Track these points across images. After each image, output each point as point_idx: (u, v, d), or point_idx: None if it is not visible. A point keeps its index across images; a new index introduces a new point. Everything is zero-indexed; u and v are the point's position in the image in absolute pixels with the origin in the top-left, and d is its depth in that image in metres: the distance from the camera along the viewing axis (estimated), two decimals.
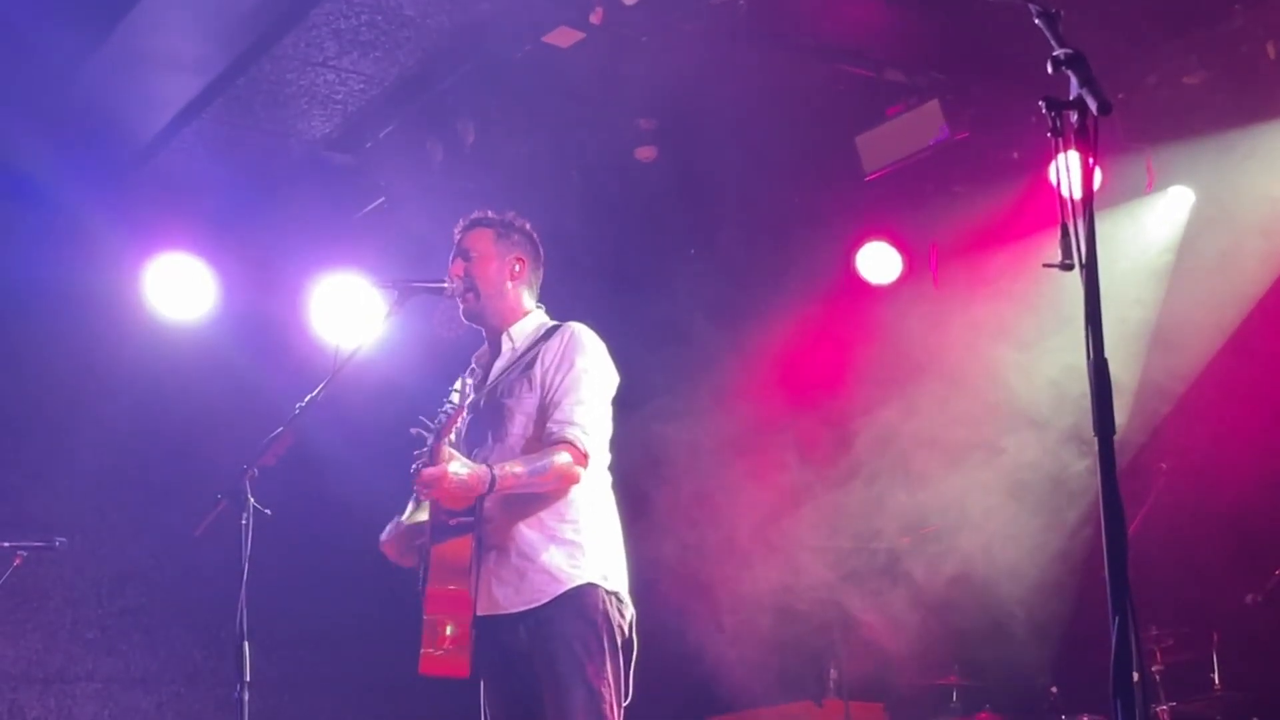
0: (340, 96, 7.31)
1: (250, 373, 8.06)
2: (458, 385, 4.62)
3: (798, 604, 8.21)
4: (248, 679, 4.75)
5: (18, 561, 6.75)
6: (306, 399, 4.93)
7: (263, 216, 8.22)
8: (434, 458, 4.43)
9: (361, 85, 7.21)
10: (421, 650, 4.59)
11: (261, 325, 8.37)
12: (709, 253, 8.99)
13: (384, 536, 4.91)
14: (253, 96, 7.23)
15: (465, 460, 4.51)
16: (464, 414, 4.57)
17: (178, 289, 8.12)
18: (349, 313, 8.12)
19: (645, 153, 7.77)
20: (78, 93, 6.95)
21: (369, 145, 7.82)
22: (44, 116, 7.06)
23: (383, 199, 8.17)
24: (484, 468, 4.50)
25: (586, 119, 7.44)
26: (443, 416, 4.46)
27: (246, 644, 4.75)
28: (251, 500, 4.83)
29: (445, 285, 4.91)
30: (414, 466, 4.48)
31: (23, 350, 8.01)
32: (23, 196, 7.59)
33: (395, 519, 4.93)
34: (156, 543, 8.29)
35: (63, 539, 6.80)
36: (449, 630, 4.58)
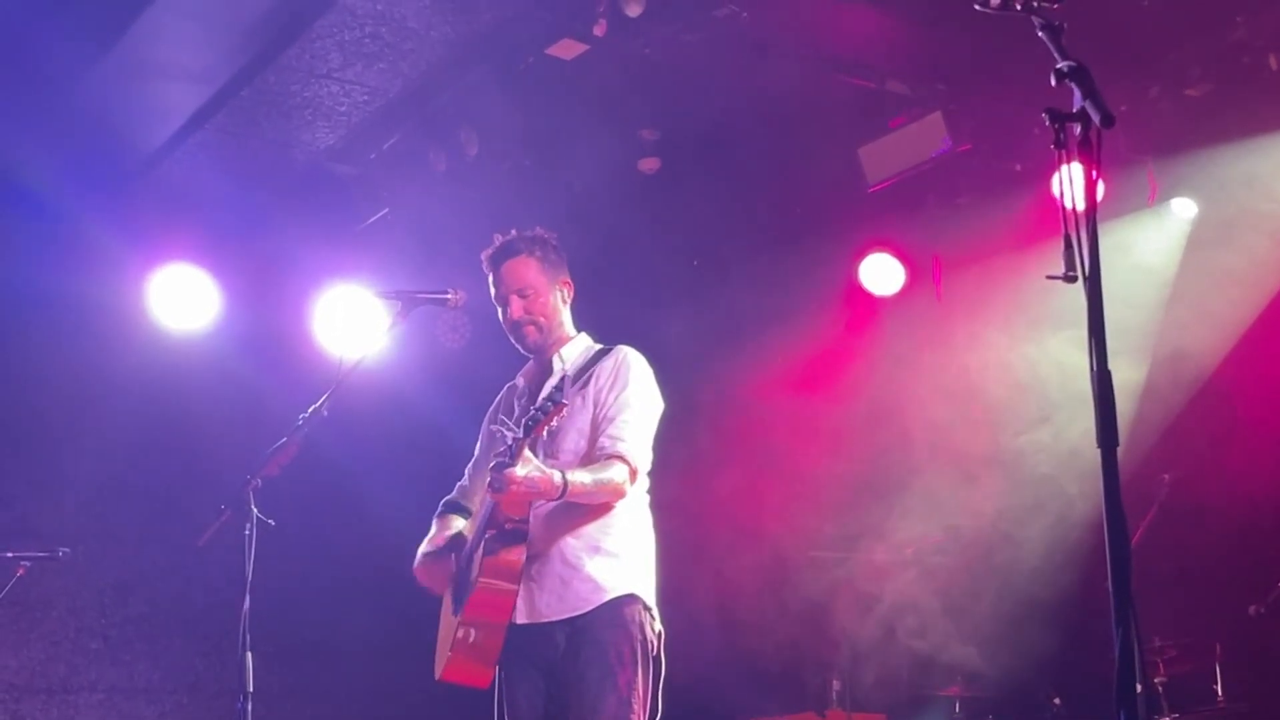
0: (344, 108, 7.32)
1: (254, 383, 8.07)
2: (553, 386, 4.60)
3: (801, 614, 8.21)
4: (250, 689, 4.75)
5: (21, 571, 6.75)
6: (310, 410, 4.94)
7: (267, 227, 8.22)
8: (514, 456, 4.39)
9: (365, 97, 7.22)
10: (449, 654, 4.59)
11: (265, 336, 8.37)
12: (712, 264, 9.00)
13: (418, 565, 4.93)
14: (257, 107, 7.24)
15: (539, 463, 4.48)
16: (551, 426, 4.51)
17: (181, 299, 8.12)
18: (353, 323, 8.11)
19: (648, 164, 7.78)
20: (82, 102, 6.95)
21: (372, 156, 7.83)
22: (48, 126, 7.07)
23: (386, 210, 8.17)
24: (556, 472, 4.50)
25: (589, 130, 7.44)
26: (537, 414, 4.40)
27: (249, 654, 4.75)
28: (255, 510, 4.84)
29: (448, 296, 4.95)
30: (493, 464, 4.45)
31: (26, 360, 8.01)
32: (26, 206, 7.59)
33: (425, 544, 4.95)
34: (160, 553, 8.29)
35: (66, 549, 6.81)
36: (479, 639, 4.58)
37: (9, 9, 6.24)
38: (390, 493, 7.77)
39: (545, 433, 4.66)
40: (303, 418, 4.93)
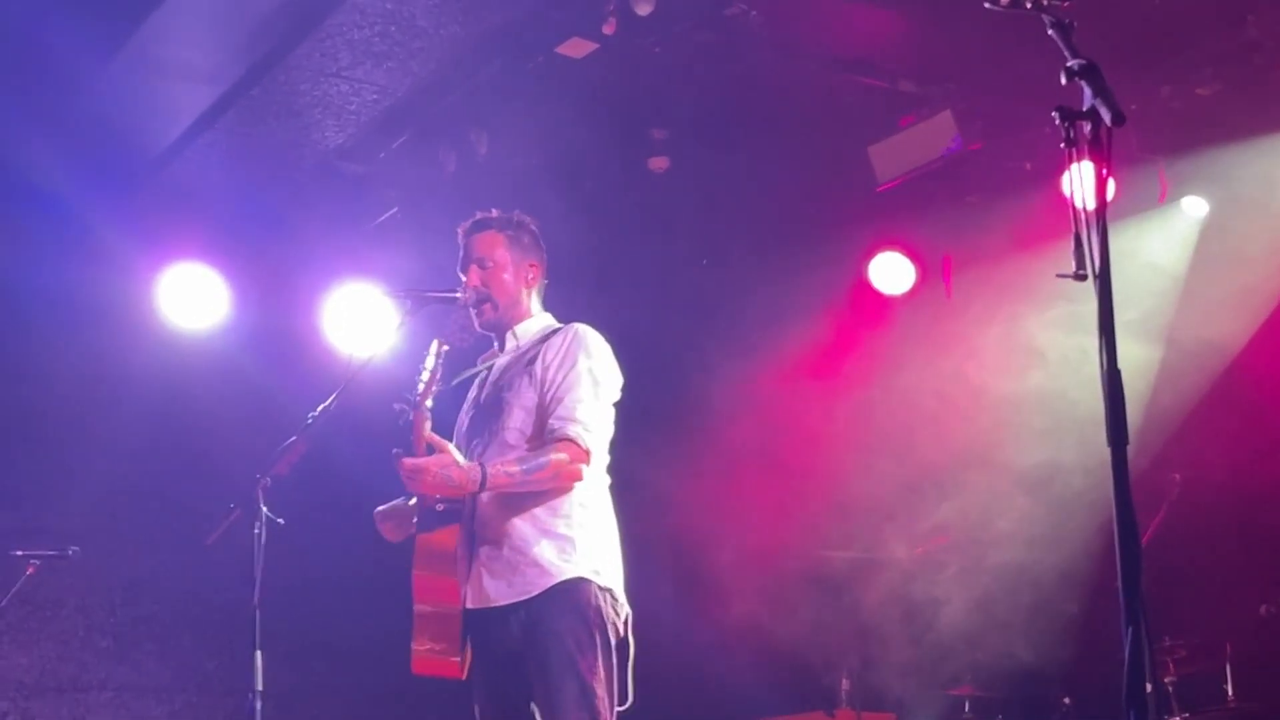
0: (353, 106, 7.32)
1: (263, 382, 8.07)
2: (433, 349, 4.59)
3: (810, 613, 8.21)
4: (260, 688, 4.76)
5: (31, 570, 6.76)
6: (319, 408, 4.95)
7: (276, 226, 8.23)
8: (414, 429, 4.40)
9: (375, 95, 7.22)
10: (413, 647, 4.59)
11: (274, 335, 8.38)
12: (721, 263, 8.99)
13: (382, 507, 4.90)
14: (266, 106, 7.24)
15: (458, 458, 4.50)
16: (439, 381, 4.55)
17: (191, 298, 8.13)
18: (362, 322, 8.12)
19: (658, 163, 7.78)
20: (91, 102, 6.96)
21: (382, 155, 7.83)
22: (57, 125, 7.08)
23: (396, 209, 8.18)
24: (475, 466, 4.51)
25: (599, 129, 7.44)
26: (419, 386, 4.43)
27: (259, 653, 4.76)
28: (264, 509, 4.85)
29: (458, 295, 4.91)
30: (395, 451, 4.47)
31: (35, 359, 8.02)
32: (36, 205, 7.60)
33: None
34: (169, 551, 8.29)
35: (76, 548, 6.81)
36: (439, 628, 4.57)
37: (18, 8, 6.25)
38: (398, 491, 7.75)
39: (490, 413, 4.73)
40: (312, 416, 4.94)
